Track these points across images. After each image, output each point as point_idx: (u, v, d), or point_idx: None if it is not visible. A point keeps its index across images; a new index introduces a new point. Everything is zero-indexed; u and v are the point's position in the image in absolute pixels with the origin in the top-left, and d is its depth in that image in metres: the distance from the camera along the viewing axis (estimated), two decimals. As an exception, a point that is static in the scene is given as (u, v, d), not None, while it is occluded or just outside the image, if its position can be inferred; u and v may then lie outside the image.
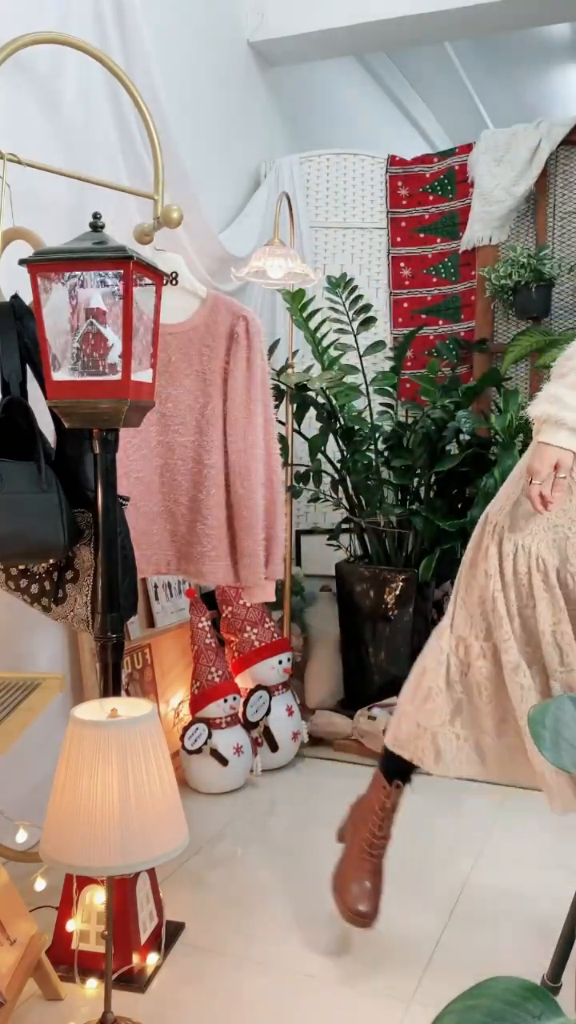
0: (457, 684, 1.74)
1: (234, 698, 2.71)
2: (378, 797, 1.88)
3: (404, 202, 3.65)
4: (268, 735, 2.80)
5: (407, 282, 3.68)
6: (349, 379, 3.13)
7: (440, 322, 3.62)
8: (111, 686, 1.74)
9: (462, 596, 1.75)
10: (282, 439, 3.06)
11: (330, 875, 1.90)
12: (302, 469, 3.19)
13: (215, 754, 2.62)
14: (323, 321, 3.15)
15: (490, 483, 2.76)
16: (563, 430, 1.56)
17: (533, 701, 1.64)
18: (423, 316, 3.64)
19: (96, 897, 1.76)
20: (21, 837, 1.91)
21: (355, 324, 3.12)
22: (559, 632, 1.65)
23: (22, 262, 1.62)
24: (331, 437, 3.19)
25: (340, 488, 3.27)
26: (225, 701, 2.67)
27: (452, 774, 1.76)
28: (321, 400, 3.15)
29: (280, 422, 2.96)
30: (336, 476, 3.25)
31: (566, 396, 1.56)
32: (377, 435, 3.17)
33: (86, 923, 1.77)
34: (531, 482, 1.59)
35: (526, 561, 1.66)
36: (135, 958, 1.76)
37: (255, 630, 2.87)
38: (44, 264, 1.61)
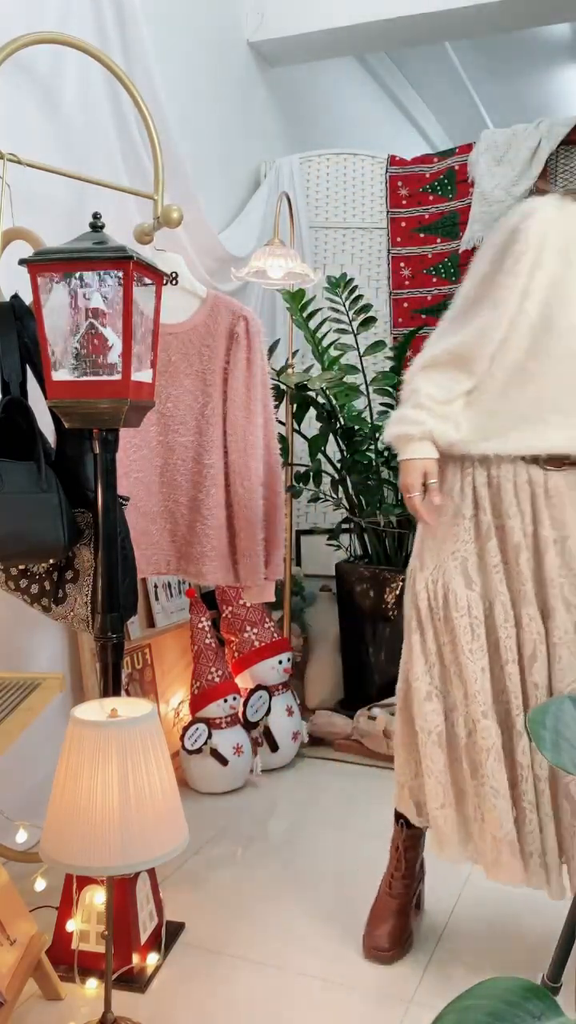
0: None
1: (234, 698, 2.71)
2: (394, 835, 1.90)
3: (404, 202, 3.65)
4: (268, 735, 2.80)
5: (407, 282, 3.68)
6: (349, 379, 3.13)
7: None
8: (111, 686, 1.74)
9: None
10: (282, 439, 3.06)
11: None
12: (302, 469, 3.19)
13: (215, 754, 2.62)
14: (323, 321, 3.15)
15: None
16: (413, 442, 1.68)
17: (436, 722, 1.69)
18: (423, 316, 3.64)
19: (96, 897, 1.76)
20: (21, 837, 1.91)
21: (355, 324, 3.12)
22: (456, 661, 1.68)
23: (22, 262, 1.62)
24: (331, 437, 3.19)
25: (340, 488, 3.27)
26: (225, 701, 2.67)
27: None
28: (321, 400, 3.15)
29: (280, 422, 2.96)
30: (336, 476, 3.25)
31: (409, 414, 1.69)
32: (377, 435, 3.17)
33: (86, 923, 1.77)
34: (410, 497, 1.68)
35: (435, 591, 1.70)
36: (135, 958, 1.76)
37: (255, 630, 2.87)
38: (44, 264, 1.61)
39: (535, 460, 1.63)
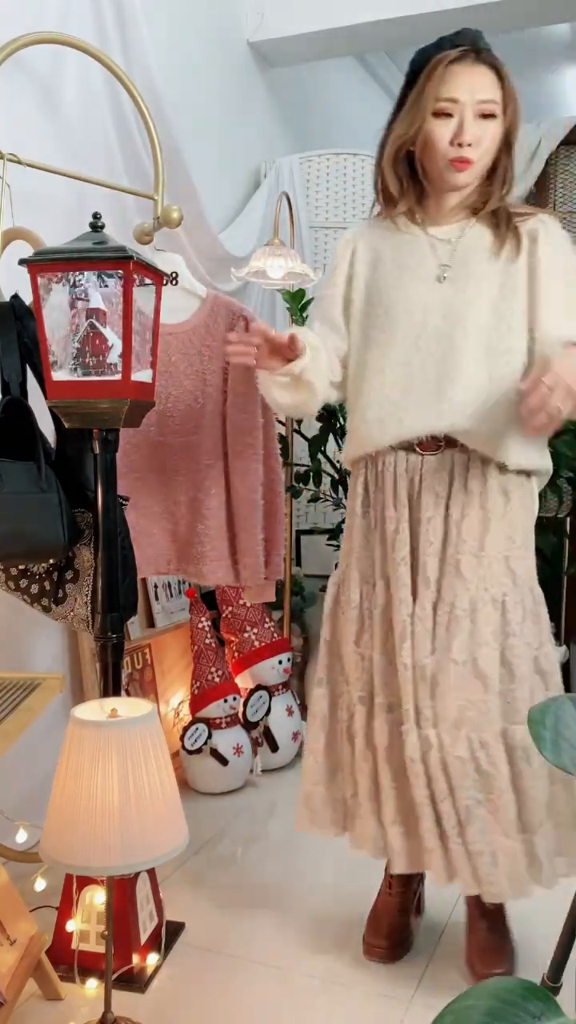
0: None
1: (234, 698, 2.71)
2: None
3: (404, 202, 3.65)
4: (268, 735, 2.80)
5: (407, 282, 3.67)
6: (349, 379, 3.13)
7: (440, 322, 3.62)
8: (111, 686, 1.75)
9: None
10: (282, 439, 3.06)
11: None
12: (302, 469, 3.19)
13: (215, 754, 2.62)
14: (323, 321, 3.14)
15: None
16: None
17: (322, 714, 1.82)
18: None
19: (96, 897, 1.76)
20: (21, 837, 1.91)
21: (355, 324, 3.12)
22: (341, 651, 1.80)
23: (22, 262, 1.62)
24: (331, 437, 3.19)
25: (340, 488, 3.27)
26: (225, 701, 2.67)
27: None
28: (321, 400, 3.15)
29: (280, 422, 2.96)
30: (336, 476, 3.25)
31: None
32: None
33: (86, 923, 1.77)
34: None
35: (340, 589, 1.82)
36: (135, 958, 1.76)
37: (255, 630, 2.87)
38: (44, 264, 1.61)
39: (411, 448, 1.70)
